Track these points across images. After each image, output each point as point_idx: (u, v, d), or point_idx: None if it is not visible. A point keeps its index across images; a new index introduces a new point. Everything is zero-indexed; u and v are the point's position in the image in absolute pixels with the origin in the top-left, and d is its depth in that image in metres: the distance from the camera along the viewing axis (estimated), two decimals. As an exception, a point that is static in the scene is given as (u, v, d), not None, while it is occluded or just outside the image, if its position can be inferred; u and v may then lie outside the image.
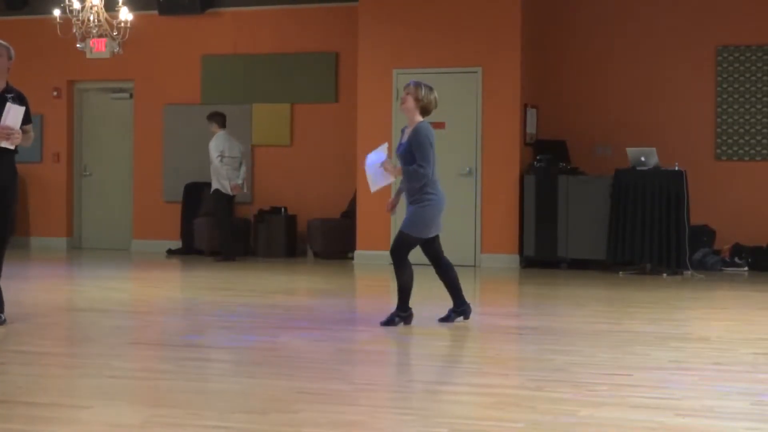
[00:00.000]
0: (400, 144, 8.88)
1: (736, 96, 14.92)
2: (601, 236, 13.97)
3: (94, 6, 14.13)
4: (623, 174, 13.91)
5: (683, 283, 12.86)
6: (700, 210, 14.17)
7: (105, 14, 14.22)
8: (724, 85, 14.96)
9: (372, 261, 14.84)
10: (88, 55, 16.15)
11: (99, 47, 16.48)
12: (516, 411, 5.60)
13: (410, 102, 8.79)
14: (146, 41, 16.72)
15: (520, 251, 14.52)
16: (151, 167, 17.19)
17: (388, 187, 9.95)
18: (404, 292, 8.80)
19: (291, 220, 16.16)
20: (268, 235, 16.02)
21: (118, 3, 14.43)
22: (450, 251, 14.56)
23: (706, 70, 15.01)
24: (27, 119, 8.51)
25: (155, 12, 16.89)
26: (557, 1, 15.51)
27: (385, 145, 9.07)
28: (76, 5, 14.08)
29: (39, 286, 12.15)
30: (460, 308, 9.10)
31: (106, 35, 14.77)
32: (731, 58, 14.94)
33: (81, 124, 17.80)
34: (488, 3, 14.64)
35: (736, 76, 14.93)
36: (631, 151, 13.94)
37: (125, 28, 14.34)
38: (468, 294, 9.41)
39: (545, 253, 14.38)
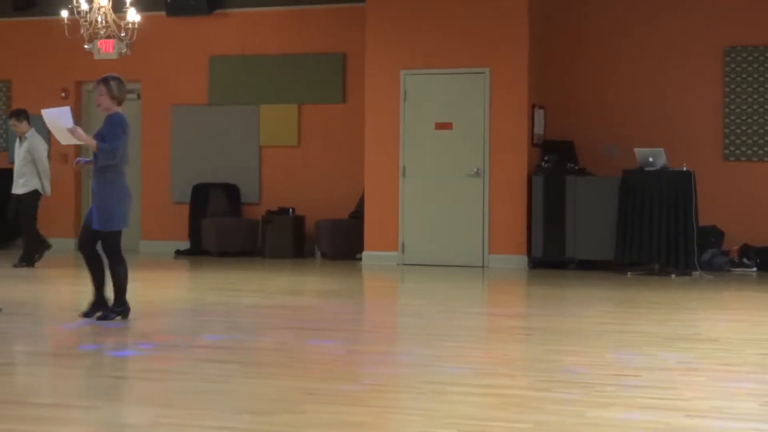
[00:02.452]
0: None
1: (744, 96, 14.89)
2: (610, 237, 13.94)
3: (102, 7, 14.14)
4: (631, 174, 13.89)
5: (692, 283, 12.83)
6: (708, 210, 14.14)
7: (113, 15, 14.23)
8: (732, 86, 14.92)
9: (380, 262, 14.83)
10: (96, 56, 16.15)
11: (107, 48, 16.49)
12: (523, 412, 5.58)
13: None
14: (154, 42, 16.72)
15: (528, 252, 14.49)
16: (158, 168, 17.20)
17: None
18: (121, 288, 9.05)
19: (299, 221, 16.15)
20: (275, 235, 16.01)
21: (125, 4, 14.43)
22: (458, 252, 14.68)
23: (714, 70, 14.98)
24: None
25: (163, 13, 16.90)
26: (564, 1, 15.48)
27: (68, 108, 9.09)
28: (84, 6, 14.08)
29: (47, 287, 12.17)
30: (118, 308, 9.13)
31: (113, 36, 14.77)
32: (739, 58, 14.91)
33: (89, 125, 17.79)
34: (495, 3, 14.62)
35: (744, 76, 14.89)
36: (639, 152, 13.92)
37: (133, 29, 14.34)
38: (475, 295, 9.40)
39: (553, 253, 14.35)
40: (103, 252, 9.00)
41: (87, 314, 9.02)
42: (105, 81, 9.03)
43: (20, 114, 13.97)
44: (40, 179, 13.88)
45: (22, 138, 13.92)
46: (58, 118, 8.76)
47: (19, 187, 13.81)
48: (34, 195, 13.86)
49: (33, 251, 14.00)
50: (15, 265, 13.83)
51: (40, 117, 9.17)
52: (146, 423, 5.34)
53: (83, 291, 10.07)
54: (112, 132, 8.86)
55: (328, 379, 6.48)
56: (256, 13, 16.85)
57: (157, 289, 12.23)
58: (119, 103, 9.10)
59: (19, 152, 13.86)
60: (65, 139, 8.87)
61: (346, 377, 6.64)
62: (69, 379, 6.65)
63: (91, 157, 9.10)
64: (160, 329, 8.92)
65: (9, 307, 9.57)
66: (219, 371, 6.70)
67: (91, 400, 5.99)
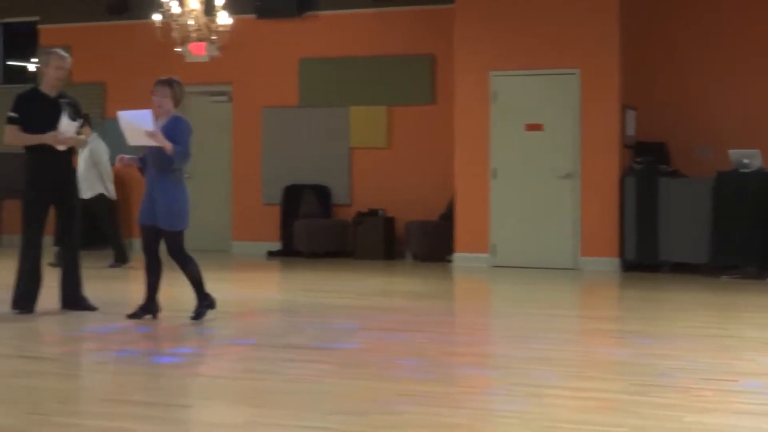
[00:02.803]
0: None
1: (842, 96, 14.59)
2: (703, 239, 13.73)
3: (194, 10, 14.28)
4: (725, 176, 13.67)
5: (788, 287, 12.60)
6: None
7: (204, 18, 14.36)
8: (831, 85, 14.63)
9: (471, 263, 14.78)
10: (188, 59, 16.31)
11: (198, 51, 16.64)
12: (619, 415, 5.52)
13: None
14: (244, 45, 16.86)
15: (621, 254, 14.34)
16: (250, 169, 17.34)
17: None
18: (199, 282, 9.10)
19: (389, 223, 16.16)
20: (366, 237, 16.04)
21: (216, 7, 14.56)
22: (549, 254, 14.58)
23: (812, 69, 14.71)
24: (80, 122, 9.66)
25: (253, 16, 17.03)
26: (656, 1, 15.29)
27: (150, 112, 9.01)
28: (176, 10, 14.24)
29: (141, 288, 12.30)
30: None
31: (204, 39, 14.90)
32: (838, 57, 14.62)
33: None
34: (586, 3, 14.49)
35: (842, 75, 14.61)
36: (733, 153, 13.69)
37: (223, 32, 14.46)
38: (567, 297, 9.32)
39: (646, 256, 14.18)
40: (170, 253, 8.98)
41: (134, 316, 9.08)
42: (169, 83, 9.06)
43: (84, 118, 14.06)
44: (104, 183, 13.97)
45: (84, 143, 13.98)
46: (138, 121, 8.77)
47: (85, 192, 13.62)
48: (101, 198, 13.97)
49: (124, 248, 14.13)
50: (111, 266, 13.98)
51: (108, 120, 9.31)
52: (241, 422, 5.38)
53: (176, 290, 10.18)
54: (185, 136, 8.92)
55: (421, 381, 6.48)
56: (345, 15, 16.90)
57: (249, 289, 12.32)
58: (177, 106, 9.14)
59: (80, 157, 13.71)
60: (136, 140, 8.82)
61: (439, 379, 6.62)
62: (165, 378, 6.72)
63: (134, 156, 9.10)
64: (253, 330, 8.98)
65: (105, 306, 9.71)
66: (312, 372, 6.73)
67: (187, 399, 6.06)
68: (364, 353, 7.65)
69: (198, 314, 8.95)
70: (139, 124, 8.75)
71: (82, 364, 7.15)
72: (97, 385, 6.46)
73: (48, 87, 9.44)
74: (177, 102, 9.08)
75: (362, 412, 5.60)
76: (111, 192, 14.09)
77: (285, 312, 10.12)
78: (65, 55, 9.52)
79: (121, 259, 14.10)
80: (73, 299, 9.58)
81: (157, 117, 8.90)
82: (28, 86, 9.84)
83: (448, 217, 15.53)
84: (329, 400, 5.96)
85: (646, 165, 14.33)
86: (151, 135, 8.70)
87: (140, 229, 9.07)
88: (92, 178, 13.92)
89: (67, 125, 9.37)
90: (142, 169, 9.05)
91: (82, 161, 13.77)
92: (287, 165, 17.02)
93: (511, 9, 14.80)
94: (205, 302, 9.03)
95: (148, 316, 9.08)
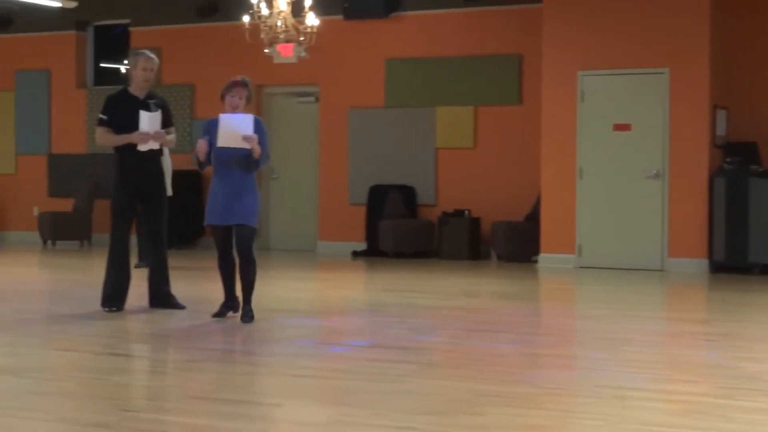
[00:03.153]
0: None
1: None
2: (795, 241, 13.51)
3: (282, 12, 14.39)
4: (819, 177, 13.44)
5: None
6: None
7: (292, 20, 14.47)
8: None
9: (556, 264, 14.71)
10: (276, 60, 16.45)
11: (286, 52, 16.77)
12: (707, 419, 5.46)
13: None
14: (331, 46, 16.96)
15: (709, 256, 14.16)
16: (336, 170, 17.43)
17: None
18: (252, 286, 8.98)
19: (474, 223, 16.15)
20: (451, 237, 16.04)
21: (304, 8, 14.66)
22: (636, 255, 14.44)
23: None
24: (168, 122, 9.66)
25: (340, 17, 17.12)
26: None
27: (252, 116, 8.94)
28: (265, 11, 14.36)
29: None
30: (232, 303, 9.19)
31: (292, 40, 15.01)
32: None
33: (269, 128, 18.12)
34: (676, 2, 14.33)
35: None
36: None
37: (311, 33, 14.55)
38: (654, 299, 9.22)
39: (735, 257, 13.98)
40: (243, 249, 8.87)
41: (219, 314, 9.13)
42: (245, 84, 9.02)
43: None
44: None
45: None
46: (239, 124, 8.79)
47: None
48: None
49: (145, 251, 13.38)
50: (136, 266, 13.14)
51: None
52: (327, 421, 5.42)
53: (267, 289, 10.26)
54: (266, 138, 8.94)
55: (505, 382, 6.47)
56: (432, 15, 16.91)
57: (334, 289, 12.39)
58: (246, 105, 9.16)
59: None
60: (228, 142, 8.76)
61: (523, 380, 6.60)
62: (251, 377, 6.79)
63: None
64: (338, 329, 9.03)
65: (192, 304, 9.81)
66: (397, 371, 6.75)
67: (273, 398, 6.11)
68: (449, 353, 7.66)
69: (247, 314, 8.92)
70: (238, 128, 8.77)
71: (170, 362, 7.25)
72: (185, 382, 6.55)
73: (136, 88, 9.60)
74: (249, 102, 9.13)
75: (446, 412, 5.61)
76: (168, 189, 13.79)
77: (370, 312, 10.16)
78: (153, 56, 9.64)
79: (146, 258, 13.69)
80: (161, 298, 9.72)
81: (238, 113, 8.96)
82: (118, 88, 10.01)
83: (533, 218, 15.47)
84: (413, 399, 5.98)
85: (737, 165, 14.14)
86: (248, 138, 8.73)
87: (212, 230, 9.03)
88: None
89: (149, 124, 9.42)
90: (202, 165, 8.97)
91: None
92: (373, 165, 17.09)
93: (599, 8, 14.69)
94: (249, 306, 8.99)
95: (230, 313, 9.16)
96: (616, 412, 5.64)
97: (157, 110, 9.54)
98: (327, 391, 6.37)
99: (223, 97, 8.99)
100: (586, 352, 7.90)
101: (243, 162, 8.85)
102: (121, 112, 9.49)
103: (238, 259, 8.93)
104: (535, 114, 15.59)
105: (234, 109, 8.92)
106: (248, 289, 8.94)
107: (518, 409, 5.70)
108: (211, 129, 8.92)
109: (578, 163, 14.75)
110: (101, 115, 9.54)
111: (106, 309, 9.52)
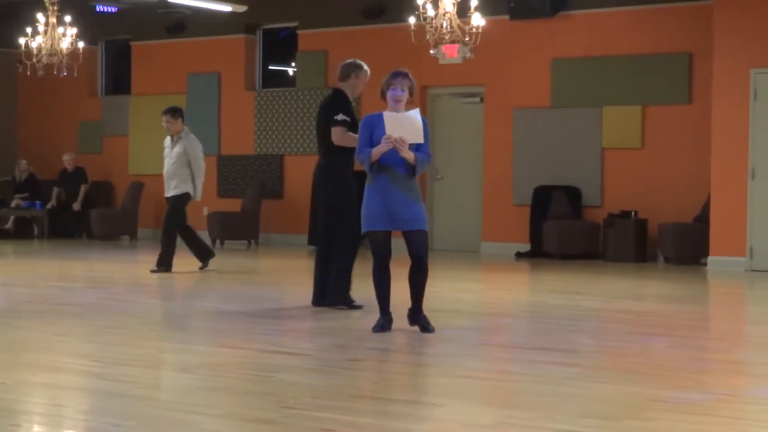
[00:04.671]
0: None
1: None
2: None
3: (448, 13, 14.39)
4: None
5: None
6: None
7: (457, 20, 14.46)
8: None
9: (726, 267, 14.34)
10: (441, 61, 16.49)
11: (451, 53, 16.81)
12: None
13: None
14: (497, 46, 16.88)
15: None
16: (500, 170, 17.35)
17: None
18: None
19: (641, 224, 15.87)
20: (617, 239, 15.80)
21: (470, 9, 14.63)
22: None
23: None
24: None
25: (506, 17, 17.02)
26: None
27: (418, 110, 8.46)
28: (430, 12, 14.38)
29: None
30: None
31: (458, 41, 14.99)
32: None
33: (434, 129, 18.18)
34: None
35: None
36: None
37: (477, 33, 14.51)
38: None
39: None
40: (421, 255, 8.29)
41: (383, 328, 8.43)
42: (407, 75, 8.48)
43: (176, 111, 13.32)
44: (194, 182, 13.24)
45: (175, 137, 13.30)
46: (409, 123, 8.32)
47: (170, 190, 13.25)
48: (185, 198, 13.27)
49: (171, 256, 13.24)
50: (152, 271, 13.21)
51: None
52: (492, 423, 5.39)
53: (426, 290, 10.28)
54: (428, 137, 8.41)
55: (674, 387, 6.33)
56: (599, 14, 16.69)
57: (499, 290, 12.34)
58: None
59: (172, 153, 13.24)
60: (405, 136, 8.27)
61: (693, 385, 6.45)
62: (415, 377, 6.81)
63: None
64: (503, 330, 8.99)
65: (369, 305, 9.85)
66: (562, 374, 6.68)
67: (437, 398, 6.11)
68: (614, 357, 7.54)
69: (431, 326, 8.41)
70: (408, 126, 8.26)
71: (335, 361, 7.31)
72: (350, 381, 6.60)
73: (350, 94, 10.10)
74: (412, 96, 8.56)
75: (612, 417, 5.52)
76: (198, 193, 13.36)
77: (535, 313, 10.09)
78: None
79: (164, 264, 13.21)
80: (334, 296, 9.84)
81: (396, 111, 8.41)
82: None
83: (702, 219, 15.12)
84: (579, 403, 5.90)
85: None
86: (397, 143, 8.20)
87: (371, 237, 8.38)
88: (183, 175, 13.18)
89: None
90: (372, 167, 8.31)
91: (173, 157, 13.22)
92: (538, 166, 16.96)
93: (773, 3, 14.28)
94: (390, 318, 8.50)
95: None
96: (791, 420, 5.47)
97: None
98: (492, 393, 6.34)
99: (383, 93, 8.48)
100: (757, 357, 7.67)
101: (407, 164, 8.33)
102: (352, 115, 9.87)
103: (413, 266, 8.36)
104: (705, 113, 15.23)
105: (397, 103, 8.39)
106: (422, 296, 8.45)
107: (687, 415, 5.57)
108: (374, 126, 8.37)
109: (750, 164, 14.35)
110: (344, 117, 9.78)
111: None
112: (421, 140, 8.28)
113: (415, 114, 8.40)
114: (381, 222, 8.30)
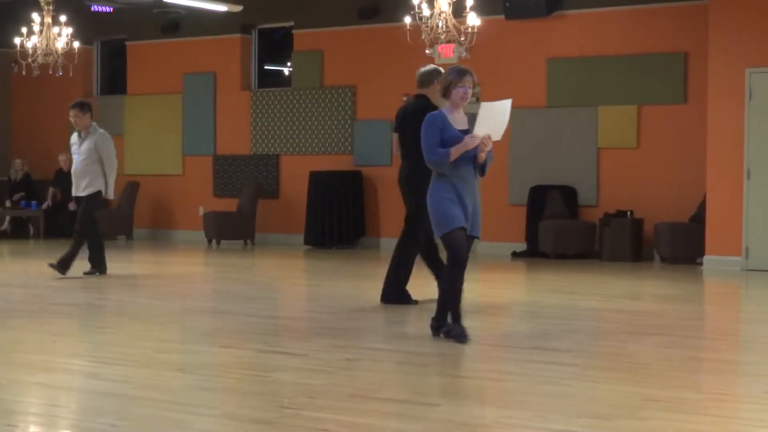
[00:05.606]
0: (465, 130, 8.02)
1: None
2: None
3: (443, 12, 14.40)
4: None
5: None
6: None
7: (453, 20, 14.46)
8: None
9: (722, 267, 14.36)
10: (436, 61, 16.45)
11: (446, 53, 16.81)
12: None
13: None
14: (492, 46, 16.89)
15: None
16: (496, 170, 17.28)
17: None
18: None
19: (637, 224, 15.88)
20: (613, 238, 15.81)
21: (465, 9, 14.63)
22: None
23: None
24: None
25: (502, 17, 17.03)
26: None
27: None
28: (426, 12, 14.39)
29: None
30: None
31: (453, 41, 15.00)
32: None
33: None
34: None
35: None
36: None
37: (472, 33, 14.52)
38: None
39: None
40: (465, 259, 8.03)
41: (462, 339, 8.10)
42: (473, 74, 8.10)
43: (84, 106, 12.80)
44: (105, 179, 12.73)
45: (83, 133, 12.78)
46: (498, 113, 7.95)
47: (81, 189, 12.75)
48: (98, 197, 12.77)
49: (103, 255, 12.87)
50: (85, 273, 12.81)
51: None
52: (487, 423, 5.40)
53: (425, 290, 10.29)
54: None
55: (668, 386, 6.34)
56: (594, 13, 16.71)
57: (495, 290, 12.33)
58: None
59: (81, 149, 12.73)
60: (491, 132, 7.94)
61: (687, 385, 6.46)
62: (413, 376, 6.81)
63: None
64: (499, 330, 9.00)
65: (353, 302, 9.85)
66: (558, 374, 6.69)
67: (434, 398, 6.11)
68: (611, 356, 7.55)
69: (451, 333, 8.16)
70: (499, 116, 7.87)
71: (332, 361, 7.30)
72: (347, 381, 6.59)
73: (433, 99, 10.05)
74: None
75: (607, 416, 5.52)
76: (110, 191, 12.89)
77: (531, 313, 10.10)
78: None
79: (97, 267, 12.88)
80: (391, 293, 10.04)
81: (459, 109, 8.09)
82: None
83: (698, 219, 15.14)
84: (574, 402, 5.91)
85: None
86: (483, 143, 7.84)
87: (457, 235, 7.87)
88: (95, 173, 12.68)
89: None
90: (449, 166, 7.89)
91: (82, 154, 12.71)
92: (533, 165, 16.98)
93: None
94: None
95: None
96: (785, 419, 5.48)
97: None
98: (488, 392, 6.35)
99: (447, 91, 8.06)
100: (753, 357, 7.69)
101: (475, 163, 7.97)
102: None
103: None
104: (700, 113, 15.25)
105: (464, 102, 8.01)
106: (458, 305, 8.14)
107: (680, 414, 5.58)
108: (442, 125, 7.96)
109: (746, 164, 14.37)
110: None
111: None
112: (500, 138, 7.93)
113: (508, 105, 7.98)
114: (461, 220, 7.89)
